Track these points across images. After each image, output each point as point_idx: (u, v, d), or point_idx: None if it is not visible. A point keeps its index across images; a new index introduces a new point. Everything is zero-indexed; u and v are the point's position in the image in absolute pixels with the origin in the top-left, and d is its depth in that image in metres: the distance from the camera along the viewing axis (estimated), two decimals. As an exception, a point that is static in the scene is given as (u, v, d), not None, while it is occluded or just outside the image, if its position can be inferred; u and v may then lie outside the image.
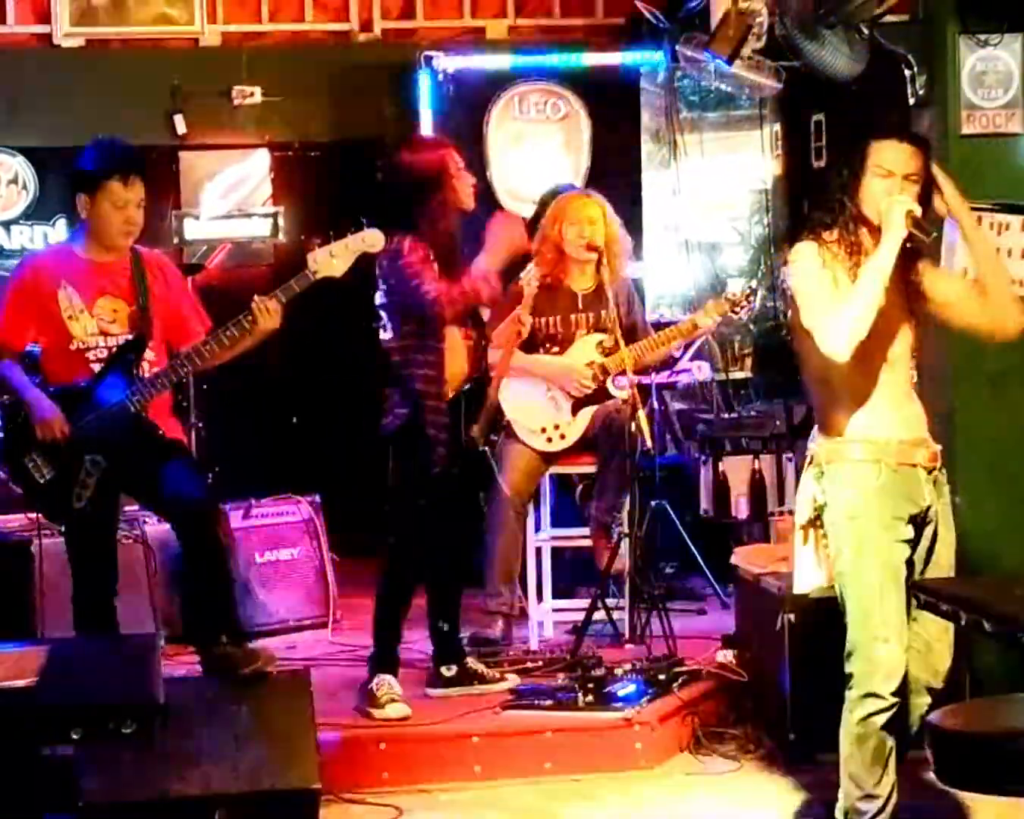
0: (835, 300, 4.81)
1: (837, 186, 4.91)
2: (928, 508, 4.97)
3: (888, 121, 7.02)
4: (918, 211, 4.79)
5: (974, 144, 5.94)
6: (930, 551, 4.99)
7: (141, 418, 5.89)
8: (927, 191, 4.89)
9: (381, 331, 6.54)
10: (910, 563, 4.96)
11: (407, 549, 6.51)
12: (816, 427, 5.08)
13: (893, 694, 4.87)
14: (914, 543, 4.97)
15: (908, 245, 4.80)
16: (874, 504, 4.90)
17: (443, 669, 6.62)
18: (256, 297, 5.87)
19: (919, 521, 4.97)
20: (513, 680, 6.66)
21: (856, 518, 4.92)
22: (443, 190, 6.40)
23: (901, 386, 5.01)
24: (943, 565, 5.01)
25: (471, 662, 6.69)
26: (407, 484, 6.46)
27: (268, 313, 5.85)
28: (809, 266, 4.90)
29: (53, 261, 6.13)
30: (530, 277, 6.95)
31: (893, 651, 4.87)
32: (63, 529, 6.08)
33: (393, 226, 6.30)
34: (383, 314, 6.51)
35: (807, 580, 5.14)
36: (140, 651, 3.73)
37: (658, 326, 7.82)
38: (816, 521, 5.04)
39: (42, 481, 5.84)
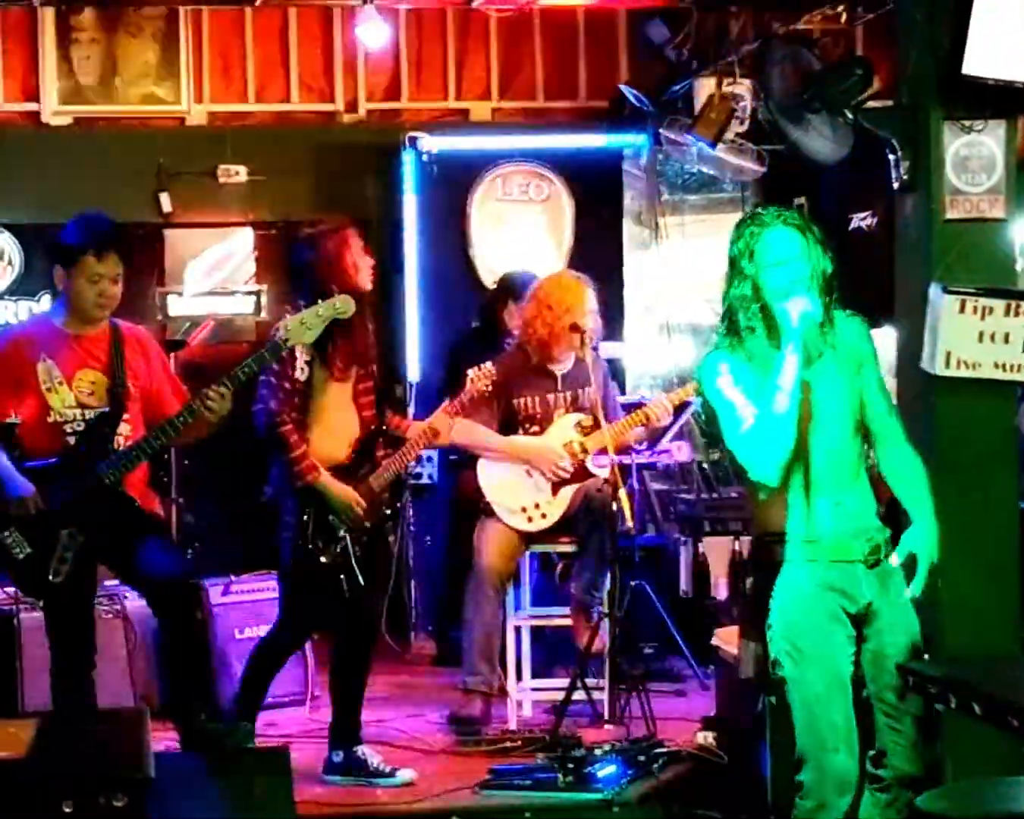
0: (747, 419, 4.72)
1: None
2: (868, 605, 4.81)
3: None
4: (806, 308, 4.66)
5: (958, 229, 5.96)
6: (878, 653, 4.83)
7: (117, 492, 5.86)
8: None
9: None
10: (857, 662, 4.82)
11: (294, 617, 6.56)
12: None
13: (846, 808, 4.77)
14: (859, 639, 4.82)
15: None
16: (808, 607, 4.79)
17: (333, 754, 6.50)
18: (202, 390, 5.82)
19: (859, 618, 4.81)
20: (406, 775, 6.45)
21: (792, 625, 4.81)
22: (340, 274, 6.35)
23: (842, 473, 4.84)
24: (890, 670, 4.81)
25: (363, 750, 6.50)
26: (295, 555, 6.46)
27: (218, 400, 5.80)
28: (716, 384, 4.81)
29: (33, 334, 6.12)
30: (482, 375, 6.81)
31: (844, 761, 4.76)
32: (41, 604, 6.05)
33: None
34: None
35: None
36: (129, 725, 3.71)
37: (637, 406, 7.82)
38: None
39: (21, 557, 5.80)
